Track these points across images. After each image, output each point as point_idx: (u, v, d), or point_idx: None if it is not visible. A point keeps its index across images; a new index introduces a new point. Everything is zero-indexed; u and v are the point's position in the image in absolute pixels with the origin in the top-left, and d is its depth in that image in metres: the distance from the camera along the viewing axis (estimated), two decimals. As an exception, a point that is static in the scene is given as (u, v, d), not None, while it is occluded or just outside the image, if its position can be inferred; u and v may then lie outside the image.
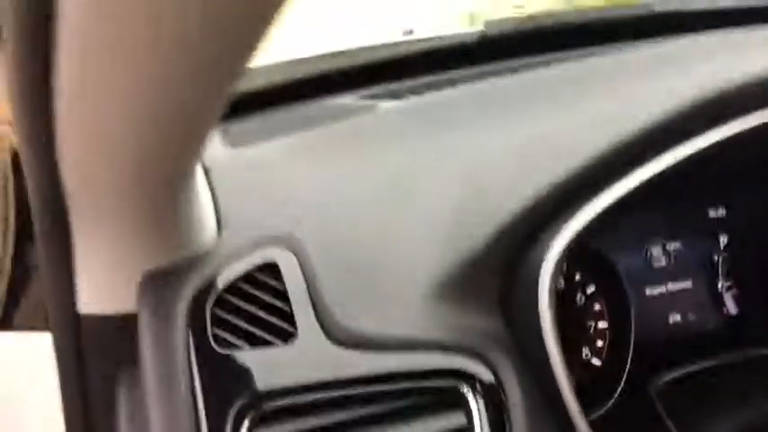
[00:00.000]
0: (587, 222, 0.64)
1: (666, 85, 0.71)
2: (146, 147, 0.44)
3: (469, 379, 0.63)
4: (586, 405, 0.89)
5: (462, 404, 0.62)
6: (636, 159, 0.68)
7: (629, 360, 0.93)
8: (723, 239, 1.05)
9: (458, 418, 0.62)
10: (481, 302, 0.67)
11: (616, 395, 0.88)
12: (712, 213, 1.04)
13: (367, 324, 0.62)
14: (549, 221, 0.67)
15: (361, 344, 0.60)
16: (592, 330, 0.94)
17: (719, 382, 0.90)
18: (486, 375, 0.64)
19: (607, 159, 0.67)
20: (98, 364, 0.62)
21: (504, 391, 0.64)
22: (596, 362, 0.94)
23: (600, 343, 0.95)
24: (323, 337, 0.59)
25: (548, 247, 0.64)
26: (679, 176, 0.70)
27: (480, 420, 0.62)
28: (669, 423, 0.80)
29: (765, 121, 0.70)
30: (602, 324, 0.95)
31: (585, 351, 0.94)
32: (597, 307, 0.95)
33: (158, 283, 0.58)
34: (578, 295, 0.94)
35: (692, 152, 0.68)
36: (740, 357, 0.96)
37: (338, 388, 0.59)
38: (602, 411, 0.86)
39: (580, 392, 0.91)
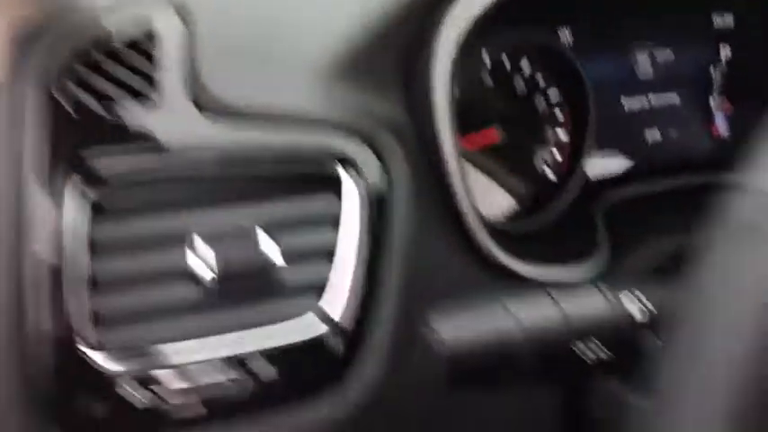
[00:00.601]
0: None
1: None
2: None
3: (350, 163, 0.60)
4: (523, 217, 0.86)
5: (336, 188, 0.58)
6: None
7: (584, 177, 0.87)
8: (725, 52, 0.94)
9: (329, 203, 0.58)
10: (382, 85, 0.61)
11: (558, 211, 0.84)
12: (717, 21, 0.93)
13: (249, 98, 0.58)
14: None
15: (235, 115, 0.57)
16: (551, 141, 0.88)
17: (669, 205, 0.84)
18: (371, 161, 0.60)
19: None
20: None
21: (390, 181, 0.61)
22: (551, 175, 0.88)
23: (559, 155, 0.89)
24: (192, 107, 0.56)
25: (444, 24, 0.57)
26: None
27: (354, 207, 0.58)
28: (600, 238, 0.75)
29: None
30: (564, 136, 0.88)
31: (540, 163, 0.88)
32: (560, 116, 0.88)
33: (22, 39, 0.55)
34: (538, 100, 0.86)
35: None
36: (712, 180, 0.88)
37: (197, 159, 0.57)
38: (535, 227, 0.83)
39: (526, 204, 0.87)
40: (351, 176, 0.58)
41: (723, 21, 0.92)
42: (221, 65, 0.57)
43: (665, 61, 0.92)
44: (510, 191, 0.88)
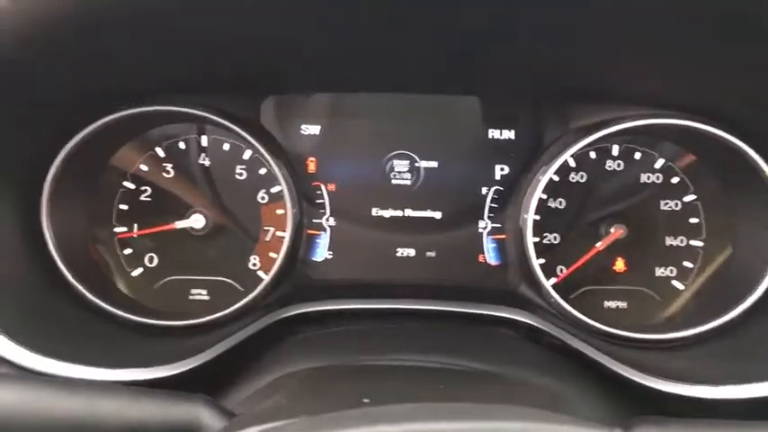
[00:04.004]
0: None
1: None
2: None
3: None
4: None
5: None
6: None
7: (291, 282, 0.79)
8: (500, 172, 0.79)
9: None
10: None
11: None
12: (494, 136, 0.79)
13: None
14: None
15: None
16: (266, 239, 0.80)
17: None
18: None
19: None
20: None
21: None
22: (257, 278, 0.80)
23: (272, 254, 0.79)
24: None
25: None
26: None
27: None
28: None
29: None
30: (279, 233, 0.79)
31: (251, 261, 0.80)
32: (281, 211, 0.79)
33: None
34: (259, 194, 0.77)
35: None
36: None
37: None
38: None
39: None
40: None
41: (500, 136, 0.77)
42: None
43: (430, 173, 0.78)
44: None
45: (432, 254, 0.82)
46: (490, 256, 0.81)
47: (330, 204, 0.80)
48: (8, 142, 0.65)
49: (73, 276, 0.74)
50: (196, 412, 0.46)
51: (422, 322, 0.75)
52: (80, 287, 0.74)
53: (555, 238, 0.79)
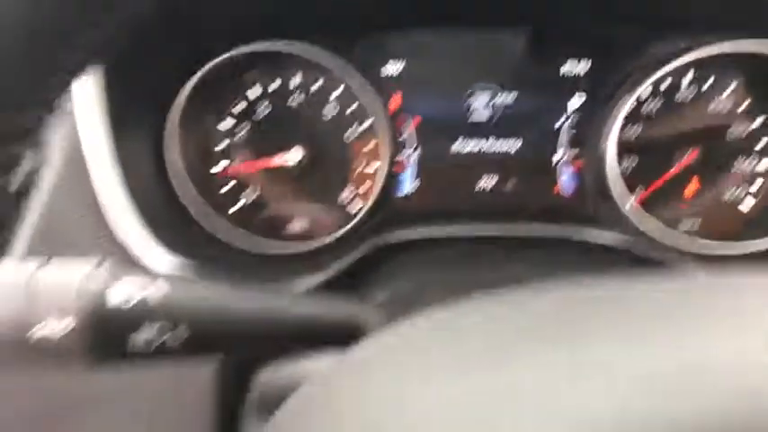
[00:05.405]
0: None
1: None
2: None
3: None
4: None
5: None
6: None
7: (384, 213, 0.83)
8: (576, 100, 0.83)
9: None
10: None
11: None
12: (567, 67, 0.82)
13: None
14: None
15: None
16: (357, 171, 0.84)
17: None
18: None
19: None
20: None
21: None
22: (353, 208, 0.84)
23: (365, 187, 0.84)
24: None
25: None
26: None
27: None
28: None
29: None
30: (371, 167, 0.83)
31: (344, 195, 0.84)
32: (370, 145, 0.83)
33: None
34: (350, 129, 0.81)
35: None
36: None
37: None
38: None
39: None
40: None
41: (575, 69, 0.81)
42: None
43: (506, 107, 0.81)
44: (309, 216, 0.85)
45: (509, 186, 0.85)
46: (566, 186, 0.85)
47: (414, 139, 0.84)
48: (146, 67, 0.69)
49: (188, 202, 0.80)
50: (361, 312, 0.49)
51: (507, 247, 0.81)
52: (194, 210, 0.80)
53: (632, 163, 0.84)
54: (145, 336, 0.40)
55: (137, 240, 0.68)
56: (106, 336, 0.39)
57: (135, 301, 0.39)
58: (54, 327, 0.39)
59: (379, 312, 0.50)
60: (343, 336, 0.47)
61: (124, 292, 0.40)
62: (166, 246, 0.69)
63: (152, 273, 0.41)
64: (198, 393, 0.59)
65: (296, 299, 0.46)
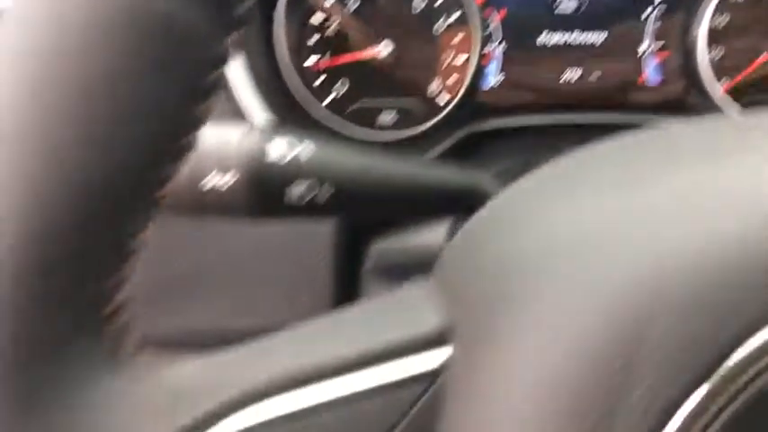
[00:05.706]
0: None
1: None
2: None
3: None
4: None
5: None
6: None
7: (471, 105, 0.85)
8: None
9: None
10: None
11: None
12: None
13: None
14: None
15: None
16: (446, 64, 0.84)
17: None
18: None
19: None
20: None
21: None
22: (441, 100, 0.85)
23: (453, 79, 0.85)
24: None
25: None
26: None
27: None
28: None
29: None
30: (459, 59, 0.84)
31: (432, 87, 0.85)
32: (459, 37, 0.84)
33: None
34: (439, 21, 0.82)
35: None
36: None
37: None
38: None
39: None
40: None
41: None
42: None
43: None
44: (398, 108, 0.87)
45: (594, 77, 0.86)
46: (651, 76, 0.86)
47: (499, 32, 0.85)
48: None
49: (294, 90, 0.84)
50: (482, 181, 0.53)
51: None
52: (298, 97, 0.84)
53: (720, 52, 0.84)
54: (298, 191, 0.44)
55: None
56: (266, 188, 0.43)
57: (289, 158, 0.43)
58: (219, 180, 0.43)
59: (498, 182, 0.53)
60: (463, 203, 0.51)
61: (279, 150, 0.44)
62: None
63: (300, 134, 0.45)
64: (318, 254, 0.64)
65: (428, 164, 0.50)
